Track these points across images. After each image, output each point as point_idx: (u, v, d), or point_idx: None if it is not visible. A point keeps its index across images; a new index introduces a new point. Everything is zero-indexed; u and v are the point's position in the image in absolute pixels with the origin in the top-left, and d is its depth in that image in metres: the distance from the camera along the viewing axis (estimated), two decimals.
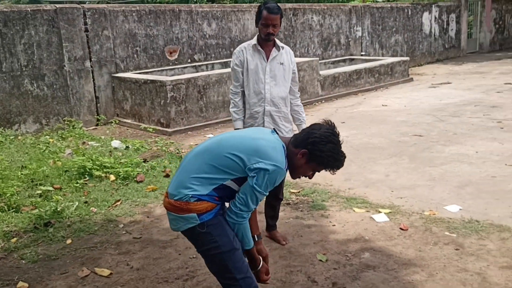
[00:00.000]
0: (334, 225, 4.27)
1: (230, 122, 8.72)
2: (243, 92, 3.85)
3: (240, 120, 3.85)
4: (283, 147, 2.40)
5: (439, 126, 7.57)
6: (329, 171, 2.46)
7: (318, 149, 2.36)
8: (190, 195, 2.32)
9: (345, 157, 2.45)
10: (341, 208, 4.61)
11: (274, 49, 3.79)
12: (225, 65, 10.60)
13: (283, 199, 4.17)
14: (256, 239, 2.87)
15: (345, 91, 11.00)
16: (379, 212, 4.45)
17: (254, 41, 3.81)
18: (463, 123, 7.68)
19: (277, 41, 3.81)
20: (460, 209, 4.43)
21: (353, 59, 13.39)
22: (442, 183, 5.14)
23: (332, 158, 2.38)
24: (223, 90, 8.73)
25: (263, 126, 3.77)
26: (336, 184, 5.26)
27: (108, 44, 9.03)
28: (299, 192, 5.04)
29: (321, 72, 10.60)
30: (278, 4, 3.76)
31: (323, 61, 12.69)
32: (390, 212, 4.43)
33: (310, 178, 2.53)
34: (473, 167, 5.59)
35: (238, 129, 3.78)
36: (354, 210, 4.53)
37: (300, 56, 12.15)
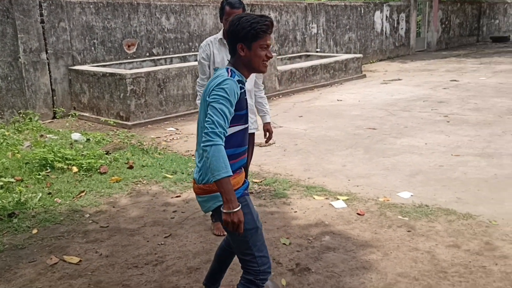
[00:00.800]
0: (295, 211, 4.49)
1: (190, 115, 8.85)
2: None
3: None
4: (227, 69, 2.45)
5: (391, 120, 7.96)
6: (265, 34, 2.44)
7: (240, 31, 2.40)
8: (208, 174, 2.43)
9: (265, 16, 2.49)
10: (301, 196, 4.84)
11: None
12: (184, 59, 10.66)
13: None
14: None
15: (302, 86, 11.29)
16: (338, 199, 4.71)
17: (220, 35, 3.94)
18: (413, 117, 8.10)
19: None
20: (412, 195, 4.76)
21: (309, 56, 13.73)
22: (395, 172, 5.47)
23: (255, 22, 2.40)
24: (183, 84, 8.81)
25: None
26: (296, 174, 5.48)
27: (65, 36, 8.90)
28: (261, 181, 5.24)
29: (278, 68, 10.84)
30: None
31: (280, 57, 12.95)
32: (347, 199, 4.70)
33: (269, 57, 2.50)
34: (423, 157, 5.96)
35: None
36: (314, 198, 4.76)
37: None
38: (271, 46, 2.55)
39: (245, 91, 2.50)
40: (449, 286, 3.23)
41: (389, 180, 5.22)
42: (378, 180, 5.24)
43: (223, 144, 2.30)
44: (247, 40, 2.42)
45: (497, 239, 3.83)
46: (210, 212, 2.66)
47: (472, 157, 5.87)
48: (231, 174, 2.30)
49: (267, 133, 4.17)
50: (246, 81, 2.53)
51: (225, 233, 3.69)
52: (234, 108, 2.38)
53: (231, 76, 2.40)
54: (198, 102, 3.98)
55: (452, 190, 4.88)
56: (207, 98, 2.41)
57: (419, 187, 4.99)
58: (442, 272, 3.39)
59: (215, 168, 2.26)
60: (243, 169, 2.61)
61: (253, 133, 4.12)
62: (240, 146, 2.52)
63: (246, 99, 2.50)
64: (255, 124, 4.07)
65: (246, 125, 2.55)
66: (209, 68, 3.94)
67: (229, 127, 2.40)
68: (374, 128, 7.42)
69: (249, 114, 3.99)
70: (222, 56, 3.91)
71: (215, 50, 3.92)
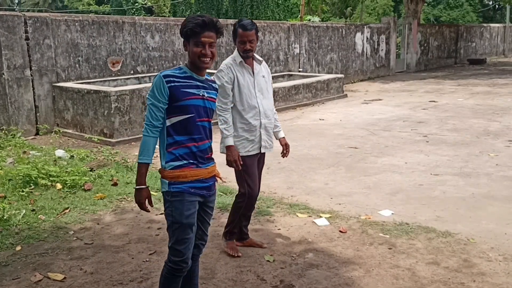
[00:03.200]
0: (279, 229, 4.56)
1: None
2: (231, 108, 3.84)
3: (231, 136, 3.80)
4: (171, 70, 2.77)
5: (372, 139, 8.12)
6: (203, 32, 2.69)
7: (182, 28, 2.72)
8: (165, 161, 2.77)
9: (200, 15, 2.73)
10: (285, 214, 4.91)
11: (255, 63, 3.90)
12: None
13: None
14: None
15: (284, 105, 11.44)
16: (320, 216, 4.79)
17: (236, 57, 3.83)
18: (393, 137, 8.28)
19: (256, 55, 3.91)
20: (392, 213, 4.87)
21: (291, 75, 13.93)
22: (376, 190, 5.59)
23: (190, 22, 2.68)
24: None
25: (260, 139, 3.91)
26: (279, 192, 5.56)
27: (50, 53, 8.92)
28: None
29: None
30: (251, 20, 3.84)
31: None
32: (330, 217, 4.78)
33: (204, 54, 2.69)
34: (403, 176, 6.10)
35: (230, 145, 3.78)
36: (297, 215, 4.84)
37: None
38: (213, 44, 2.74)
39: (180, 84, 2.71)
40: None
41: (370, 199, 5.33)
42: (360, 198, 5.35)
43: (149, 135, 2.71)
44: (186, 37, 2.73)
45: (475, 256, 3.94)
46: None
47: (450, 177, 6.02)
48: (148, 161, 2.73)
49: (285, 147, 4.14)
50: (195, 76, 2.76)
51: (239, 254, 3.94)
52: (165, 100, 2.68)
53: (164, 74, 2.69)
54: (222, 127, 3.83)
55: (432, 208, 5.00)
56: None
57: (400, 205, 5.11)
58: None
59: (140, 152, 2.74)
60: (207, 165, 2.83)
61: (264, 153, 4.08)
62: (186, 134, 2.75)
63: (185, 91, 2.71)
64: (272, 144, 4.06)
65: (190, 115, 2.73)
66: (232, 91, 3.81)
67: (168, 117, 2.73)
68: (356, 147, 7.56)
69: (271, 133, 4.02)
70: (245, 78, 3.83)
71: (237, 73, 3.82)
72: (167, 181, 2.74)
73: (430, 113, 10.53)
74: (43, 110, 8.97)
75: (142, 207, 2.79)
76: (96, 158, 6.78)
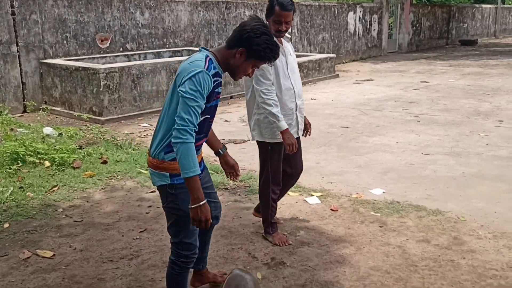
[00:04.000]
0: None
1: None
2: None
3: (283, 119, 3.54)
4: (206, 56, 2.43)
5: (364, 119, 8.11)
6: (268, 63, 2.53)
7: (254, 43, 2.40)
8: (164, 152, 2.48)
9: (279, 47, 2.52)
10: None
11: (284, 41, 3.66)
12: (158, 55, 10.59)
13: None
14: (221, 152, 2.92)
15: None
16: (312, 195, 4.78)
17: None
18: (385, 117, 8.27)
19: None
20: (383, 192, 4.87)
21: None
22: (367, 169, 5.59)
23: (269, 49, 2.43)
24: (157, 80, 8.76)
25: (297, 122, 3.71)
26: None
27: (36, 29, 8.74)
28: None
29: None
30: None
31: None
32: (321, 195, 4.78)
33: (250, 76, 2.58)
34: (394, 155, 6.10)
35: (286, 129, 3.52)
36: (288, 194, 4.80)
37: None
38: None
39: (219, 83, 2.49)
40: (419, 279, 3.33)
41: (361, 178, 5.32)
42: (351, 177, 5.34)
43: (194, 141, 2.34)
44: (252, 53, 2.44)
45: (464, 234, 3.96)
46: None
47: (441, 156, 6.04)
48: (199, 172, 2.38)
49: (308, 126, 3.94)
50: (220, 72, 2.50)
51: (290, 242, 3.79)
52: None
53: (207, 69, 2.37)
54: (275, 111, 3.49)
55: (423, 187, 5.01)
56: (180, 88, 2.35)
57: (391, 184, 5.11)
58: (412, 266, 3.49)
59: (184, 166, 2.32)
60: (199, 152, 2.61)
61: (299, 137, 3.84)
62: (198, 134, 2.47)
63: (216, 91, 2.48)
64: (302, 127, 3.84)
65: (210, 116, 2.55)
66: (271, 71, 3.56)
67: None
68: (347, 127, 7.54)
69: (303, 116, 3.79)
70: (280, 59, 3.55)
71: None
72: (168, 174, 2.49)
73: (422, 93, 10.53)
74: (30, 87, 8.82)
75: (207, 224, 2.41)
76: (85, 136, 6.69)
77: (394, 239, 3.89)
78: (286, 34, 3.71)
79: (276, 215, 3.98)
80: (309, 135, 4.01)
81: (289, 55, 3.70)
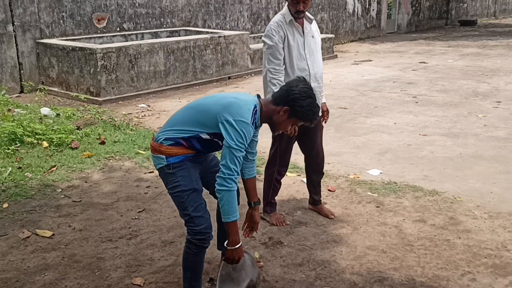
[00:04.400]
0: None
1: (162, 92, 8.78)
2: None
3: None
4: (255, 106, 2.57)
5: (362, 100, 8.10)
6: (307, 123, 2.67)
7: (298, 105, 2.55)
8: (164, 138, 2.60)
9: (319, 108, 2.66)
10: None
11: (305, 22, 3.62)
12: (155, 35, 10.51)
13: (324, 174, 4.12)
14: (253, 205, 2.93)
15: None
16: (302, 181, 4.79)
17: (286, 15, 3.58)
18: (383, 98, 8.26)
19: (307, 13, 3.65)
20: (381, 173, 4.90)
21: None
22: (365, 150, 5.61)
23: (311, 111, 2.59)
24: (155, 60, 8.71)
25: None
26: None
27: (32, 8, 8.64)
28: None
29: (251, 46, 10.82)
30: None
31: (253, 35, 12.89)
32: None
33: (287, 132, 2.73)
34: (392, 136, 6.11)
35: None
36: (286, 174, 4.83)
37: (230, 30, 12.27)
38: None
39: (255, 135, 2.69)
40: (415, 258, 3.37)
41: (359, 158, 5.35)
42: (349, 158, 5.36)
43: (236, 188, 2.52)
44: (295, 113, 2.58)
45: (461, 214, 4.00)
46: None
47: (439, 137, 6.05)
48: (239, 217, 2.55)
49: (326, 113, 3.92)
50: (261, 125, 2.66)
51: (287, 223, 3.81)
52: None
53: (252, 123, 2.53)
54: (274, 89, 3.49)
55: (420, 168, 5.04)
56: (228, 139, 2.45)
57: (388, 165, 5.13)
58: (408, 245, 3.53)
59: (226, 211, 2.52)
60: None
61: (320, 117, 3.83)
62: (204, 148, 2.64)
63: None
64: (319, 111, 3.72)
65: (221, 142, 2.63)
66: (283, 51, 3.57)
67: (209, 136, 2.56)
68: (345, 108, 7.53)
69: (319, 98, 3.70)
70: (295, 38, 3.58)
71: (288, 33, 3.57)
72: (164, 156, 2.60)
73: (420, 74, 10.50)
74: (27, 67, 8.76)
75: (238, 261, 2.66)
76: (83, 116, 6.68)
77: (390, 219, 3.92)
78: (309, 15, 3.69)
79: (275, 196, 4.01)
80: (324, 122, 3.98)
81: (310, 36, 3.66)
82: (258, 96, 2.70)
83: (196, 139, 2.59)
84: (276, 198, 4.13)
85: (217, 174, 2.50)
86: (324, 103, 3.91)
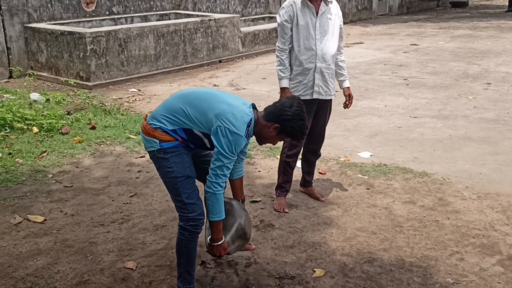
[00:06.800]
0: (259, 171, 4.59)
1: (153, 77, 8.72)
2: (289, 49, 3.69)
3: (286, 78, 3.68)
4: (250, 120, 2.61)
5: (353, 83, 8.04)
6: (294, 141, 2.77)
7: (289, 126, 2.64)
8: (158, 126, 2.61)
9: (307, 129, 2.77)
10: (265, 156, 4.93)
11: (322, 3, 3.64)
12: (145, 18, 10.40)
13: (320, 155, 4.15)
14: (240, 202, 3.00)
15: (265, 48, 11.25)
16: (300, 158, 4.81)
17: None
18: (374, 80, 8.27)
19: None
20: (371, 155, 4.93)
21: (272, 17, 13.61)
22: (356, 133, 5.63)
23: (300, 132, 2.69)
24: (145, 44, 8.64)
25: (313, 83, 3.68)
26: None
27: None
28: None
29: (242, 29, 10.74)
30: None
31: (243, 18, 12.80)
32: None
33: (273, 144, 2.81)
34: (382, 119, 6.14)
35: (284, 87, 3.68)
36: (277, 158, 4.85)
37: (220, 13, 12.17)
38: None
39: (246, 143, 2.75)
40: (404, 239, 3.42)
41: (350, 141, 5.37)
42: (340, 140, 5.39)
43: (223, 191, 2.59)
44: (284, 132, 2.67)
45: (450, 195, 4.05)
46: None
47: (429, 119, 6.09)
48: (223, 217, 2.64)
49: (348, 98, 3.97)
50: (252, 136, 2.73)
51: (286, 210, 3.82)
52: None
53: (246, 135, 2.60)
54: (277, 68, 3.71)
55: (410, 150, 5.08)
56: (219, 148, 2.51)
57: (379, 147, 5.17)
58: (398, 227, 3.58)
59: (211, 211, 2.62)
60: None
61: (330, 100, 3.90)
62: (190, 141, 2.66)
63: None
64: (333, 90, 3.84)
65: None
66: (291, 30, 3.63)
67: (201, 134, 2.60)
68: (336, 91, 7.51)
69: (331, 80, 3.79)
70: (306, 20, 3.61)
71: (298, 12, 3.61)
72: (157, 141, 2.61)
73: (411, 56, 10.50)
74: (15, 52, 8.65)
75: (221, 258, 2.81)
76: (73, 101, 6.64)
77: (380, 201, 3.97)
78: None
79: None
80: (348, 107, 4.06)
81: (326, 17, 3.66)
82: (253, 106, 2.72)
83: (187, 131, 2.62)
84: (265, 181, 4.14)
85: (207, 176, 2.58)
86: (348, 87, 3.97)
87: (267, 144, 2.84)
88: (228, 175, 2.63)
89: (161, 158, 2.63)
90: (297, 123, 2.65)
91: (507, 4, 20.45)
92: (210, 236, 2.72)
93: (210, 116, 2.56)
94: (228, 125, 2.51)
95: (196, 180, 2.75)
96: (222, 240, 2.70)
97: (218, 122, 2.52)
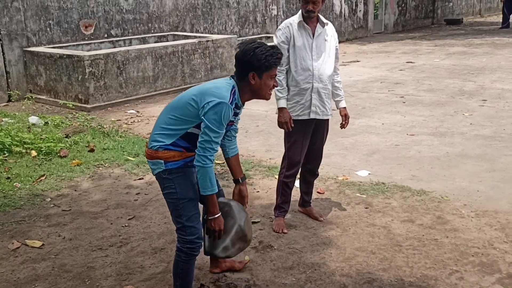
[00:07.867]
0: (258, 191, 4.59)
1: (151, 98, 8.77)
2: (286, 70, 3.74)
3: (283, 98, 3.71)
4: (233, 87, 2.63)
5: (350, 101, 8.13)
6: (277, 66, 2.69)
7: (256, 60, 2.59)
8: (158, 146, 2.63)
9: (276, 48, 2.70)
10: (263, 176, 4.94)
11: (318, 25, 3.72)
12: (143, 40, 10.50)
13: (318, 175, 4.17)
14: (241, 181, 2.99)
15: None
16: (298, 178, 4.82)
17: (298, 17, 3.72)
18: (370, 98, 8.32)
19: (321, 17, 3.74)
20: (369, 174, 4.94)
21: (269, 37, 13.76)
22: (353, 151, 5.65)
23: (269, 55, 2.62)
24: (143, 66, 8.71)
25: (311, 103, 3.72)
26: (258, 155, 5.58)
27: (19, 17, 8.60)
28: (223, 162, 5.30)
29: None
30: None
31: (241, 38, 12.92)
32: None
33: (275, 86, 2.75)
34: (380, 137, 6.17)
35: (282, 108, 3.70)
36: (275, 178, 4.86)
37: (218, 33, 12.29)
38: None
39: (236, 113, 2.71)
40: (403, 258, 3.41)
41: (348, 160, 5.39)
42: (338, 159, 5.40)
43: (212, 164, 2.58)
44: (260, 70, 2.62)
45: (448, 213, 4.05)
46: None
47: (426, 136, 6.12)
48: (216, 191, 2.62)
49: (344, 118, 3.98)
50: (242, 105, 2.72)
51: (285, 231, 3.80)
52: None
53: (231, 102, 2.57)
54: (275, 88, 3.54)
55: (407, 168, 5.09)
56: (203, 117, 2.52)
57: (376, 165, 5.18)
58: (397, 246, 3.57)
59: (202, 186, 2.60)
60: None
61: (328, 120, 3.93)
62: (190, 144, 2.66)
63: (231, 120, 2.66)
64: (330, 110, 3.87)
65: None
66: (288, 52, 3.69)
67: (198, 129, 2.59)
68: (333, 109, 7.55)
69: (328, 100, 3.83)
70: (303, 41, 3.69)
71: (295, 33, 3.69)
72: (162, 161, 2.63)
73: (407, 74, 10.59)
74: (14, 76, 8.71)
75: (220, 233, 2.72)
76: (72, 124, 6.67)
77: (379, 220, 3.96)
78: (323, 19, 3.75)
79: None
80: (344, 127, 4.06)
81: (322, 39, 3.73)
82: (233, 76, 2.73)
83: (186, 137, 2.63)
84: (264, 202, 4.15)
85: (195, 150, 2.57)
86: (344, 107, 4.00)
87: (268, 99, 2.79)
88: (218, 149, 2.60)
89: (166, 179, 2.65)
90: (256, 53, 2.59)
91: (501, 21, 20.68)
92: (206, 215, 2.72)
93: (195, 100, 2.56)
94: (212, 98, 2.52)
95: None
96: (218, 214, 2.68)
97: (203, 99, 2.54)
